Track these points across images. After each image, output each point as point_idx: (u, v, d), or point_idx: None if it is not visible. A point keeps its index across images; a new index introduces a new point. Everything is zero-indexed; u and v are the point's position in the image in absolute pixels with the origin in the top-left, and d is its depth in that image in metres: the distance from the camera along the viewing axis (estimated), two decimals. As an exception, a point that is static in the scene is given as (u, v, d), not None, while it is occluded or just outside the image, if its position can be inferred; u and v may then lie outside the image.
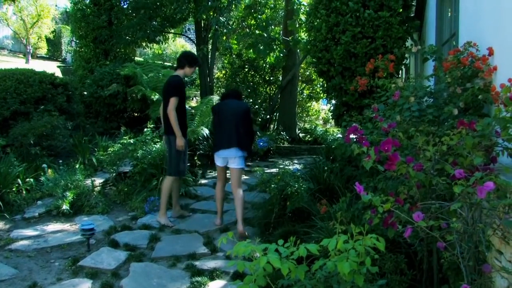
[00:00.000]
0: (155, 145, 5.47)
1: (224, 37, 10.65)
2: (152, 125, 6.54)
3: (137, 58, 11.92)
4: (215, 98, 8.01)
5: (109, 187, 5.49)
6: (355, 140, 2.42)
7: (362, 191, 1.92)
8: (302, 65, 12.16)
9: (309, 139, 10.51)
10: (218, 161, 4.19)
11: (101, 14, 9.64)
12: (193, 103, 11.19)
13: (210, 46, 10.08)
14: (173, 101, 4.16)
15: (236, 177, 4.07)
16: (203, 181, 6.32)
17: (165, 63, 13.89)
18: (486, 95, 2.55)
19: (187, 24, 12.97)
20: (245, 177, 6.55)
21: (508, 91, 2.06)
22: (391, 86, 3.08)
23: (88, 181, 5.37)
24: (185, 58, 4.36)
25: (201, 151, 7.23)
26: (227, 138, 4.02)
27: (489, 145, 2.04)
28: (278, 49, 10.19)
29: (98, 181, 5.58)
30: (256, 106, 10.64)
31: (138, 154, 5.26)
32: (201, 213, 4.84)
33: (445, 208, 1.94)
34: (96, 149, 6.43)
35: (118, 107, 8.14)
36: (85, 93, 8.48)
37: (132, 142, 5.53)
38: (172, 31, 10.79)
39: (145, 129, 5.82)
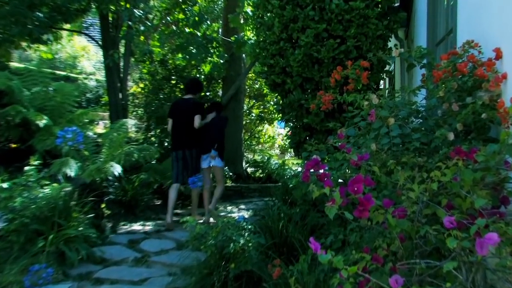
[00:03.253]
0: (43, 190, 5.21)
1: (142, 37, 10.56)
2: (38, 161, 6.20)
3: (15, 65, 11.42)
4: (130, 123, 7.86)
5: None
6: (316, 177, 2.42)
7: (319, 250, 1.89)
8: (250, 75, 12.34)
9: (261, 176, 10.54)
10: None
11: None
12: (99, 128, 10.86)
13: (123, 50, 9.94)
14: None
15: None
16: (114, 239, 6.06)
17: (58, 72, 13.46)
18: (492, 113, 2.50)
19: (89, 18, 12.69)
20: (174, 230, 6.39)
21: (522, 107, 2.08)
22: (364, 103, 3.15)
23: None
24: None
25: (111, 196, 6.98)
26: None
27: (496, 181, 2.08)
28: (217, 53, 10.28)
29: None
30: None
31: (16, 204, 5.00)
32: (109, 285, 4.60)
33: (435, 269, 1.94)
34: None
35: (-17, 136, 7.71)
36: None
37: (6, 186, 5.26)
38: (67, 27, 10.47)
39: (27, 167, 5.55)
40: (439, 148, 2.71)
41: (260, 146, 14.27)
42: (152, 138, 10.13)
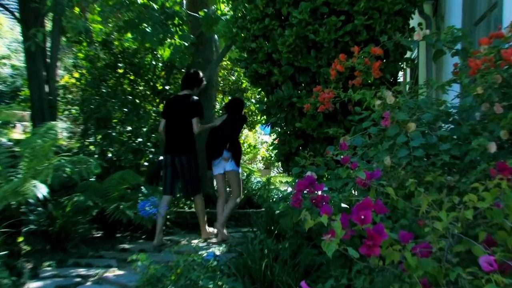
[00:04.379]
0: None
1: (76, 9, 10.49)
2: None
3: None
4: (61, 126, 7.86)
5: None
6: (311, 201, 2.43)
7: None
8: (224, 63, 12.35)
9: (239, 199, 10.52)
10: None
11: None
12: (16, 132, 10.74)
13: (50, 26, 9.85)
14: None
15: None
16: (34, 285, 5.96)
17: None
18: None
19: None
20: (120, 272, 6.32)
21: None
22: (375, 103, 3.18)
23: None
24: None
25: (32, 226, 6.90)
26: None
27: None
28: (180, 33, 10.25)
29: None
30: (140, 139, 10.48)
31: None
32: None
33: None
34: None
35: None
36: None
37: None
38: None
39: None
40: (476, 163, 2.74)
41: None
42: (91, 147, 10.06)
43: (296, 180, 3.11)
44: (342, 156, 3.00)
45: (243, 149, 14.48)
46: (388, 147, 2.90)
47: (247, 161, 14.68)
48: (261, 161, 15.39)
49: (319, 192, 2.67)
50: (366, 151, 3.32)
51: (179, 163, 7.41)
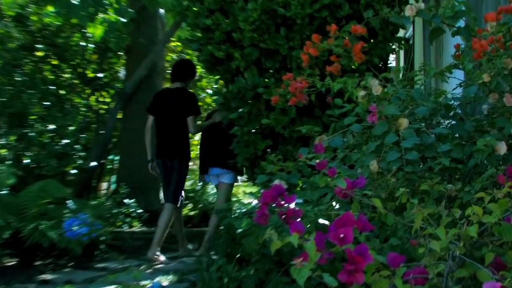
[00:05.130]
0: None
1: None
2: None
3: None
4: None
5: None
6: (279, 217, 2.43)
7: None
8: (173, 45, 12.31)
9: (191, 214, 10.66)
10: None
11: None
12: None
13: None
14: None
15: None
16: None
17: None
18: None
19: None
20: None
21: None
22: (358, 94, 3.20)
23: None
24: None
25: None
26: None
27: None
28: (116, 6, 10.20)
29: None
30: (66, 141, 10.37)
31: None
32: None
33: None
34: None
35: None
36: None
37: None
38: None
39: None
40: (482, 168, 2.78)
41: (190, 163, 14.20)
42: (3, 151, 9.90)
43: (262, 191, 3.10)
44: (318, 160, 3.00)
45: (196, 153, 14.42)
46: (374, 148, 2.92)
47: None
48: (220, 167, 15.35)
49: (292, 205, 2.66)
50: (348, 154, 3.34)
51: (170, 166, 7.71)
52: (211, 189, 11.39)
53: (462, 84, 3.58)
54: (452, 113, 3.23)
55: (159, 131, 7.75)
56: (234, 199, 10.35)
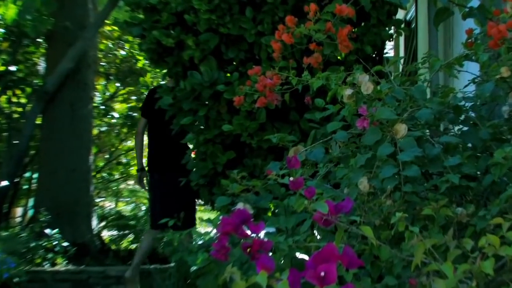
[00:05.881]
0: None
1: None
2: None
3: None
4: None
5: None
6: (245, 251, 2.43)
7: None
8: (108, 29, 12.32)
9: (132, 247, 10.65)
10: None
11: None
12: None
13: None
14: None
15: None
16: None
17: None
18: None
19: None
20: None
21: None
22: (344, 93, 3.22)
23: None
24: None
25: None
26: None
27: None
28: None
29: None
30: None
31: None
32: None
33: None
34: None
35: None
36: None
37: None
38: None
39: None
40: (501, 186, 2.80)
41: (132, 182, 14.25)
42: None
43: (222, 217, 3.10)
44: (292, 179, 2.98)
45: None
46: (365, 162, 2.91)
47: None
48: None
49: (261, 235, 2.65)
50: (332, 169, 3.35)
51: (170, 181, 7.60)
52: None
53: (476, 80, 3.60)
54: (463, 116, 3.25)
55: (152, 138, 7.95)
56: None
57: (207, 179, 6.17)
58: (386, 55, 6.87)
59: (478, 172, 2.92)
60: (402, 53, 9.54)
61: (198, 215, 11.98)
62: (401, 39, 9.02)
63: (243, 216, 2.48)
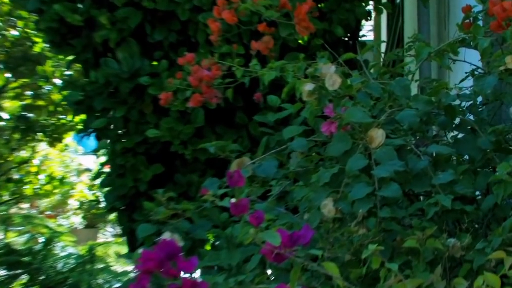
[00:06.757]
0: None
1: None
2: None
3: None
4: None
5: None
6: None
7: None
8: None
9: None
10: None
11: None
12: None
13: None
14: None
15: None
16: None
17: None
18: None
19: None
20: None
21: None
22: (302, 88, 3.25)
23: None
24: None
25: None
26: None
27: None
28: None
29: None
30: None
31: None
32: None
33: None
34: None
35: None
36: None
37: None
38: None
39: None
40: (505, 211, 2.85)
41: (26, 206, 14.24)
42: None
43: (142, 253, 3.10)
44: (232, 200, 2.96)
45: (37, 187, 14.41)
46: (330, 179, 2.93)
47: (50, 210, 14.64)
48: (78, 212, 15.37)
49: (197, 275, 2.65)
50: (288, 188, 3.37)
51: None
52: (61, 249, 11.29)
53: (475, 73, 3.65)
54: (457, 120, 3.27)
55: None
56: (100, 265, 10.32)
57: (126, 201, 6.17)
58: (363, 38, 6.95)
59: (477, 193, 2.96)
60: (384, 37, 9.61)
61: (114, 249, 11.97)
62: (383, 18, 9.09)
63: (170, 250, 2.45)
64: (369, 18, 6.24)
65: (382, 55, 7.16)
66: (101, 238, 13.82)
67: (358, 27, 6.16)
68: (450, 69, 3.67)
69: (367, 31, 8.78)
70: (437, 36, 6.36)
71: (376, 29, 10.19)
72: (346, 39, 5.86)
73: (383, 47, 8.44)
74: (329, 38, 5.25)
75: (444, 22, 6.29)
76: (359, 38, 6.29)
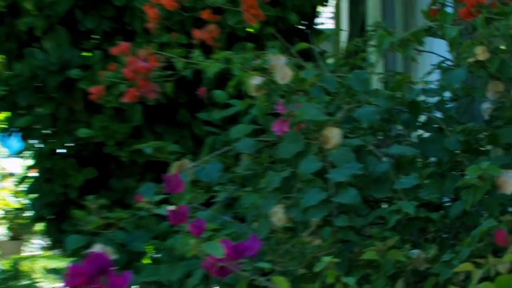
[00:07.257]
0: None
1: None
2: None
3: None
4: None
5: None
6: None
7: None
8: None
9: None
10: None
11: None
12: None
13: None
14: None
15: None
16: None
17: None
18: None
19: None
20: None
21: None
22: (250, 81, 3.26)
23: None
24: None
25: None
26: None
27: None
28: None
29: None
30: None
31: None
32: None
33: None
34: None
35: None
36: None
37: None
38: None
39: None
40: (475, 218, 2.87)
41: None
42: None
43: (70, 265, 3.09)
44: (169, 207, 2.96)
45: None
46: (280, 184, 2.96)
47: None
48: (1, 222, 15.35)
49: None
50: (234, 193, 3.38)
51: None
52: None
53: (442, 65, 3.67)
54: (423, 118, 3.31)
55: None
56: (25, 281, 10.29)
57: (54, 210, 6.15)
58: (321, 27, 6.97)
59: (444, 199, 2.98)
60: (345, 25, 9.66)
61: (42, 263, 11.95)
62: (344, 4, 9.14)
63: (101, 263, 2.43)
64: (325, 3, 6.25)
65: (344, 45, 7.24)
66: (27, 252, 13.78)
67: (315, 14, 6.18)
68: (415, 61, 3.69)
69: (326, 18, 8.80)
70: (404, 24, 6.40)
71: (336, 16, 10.22)
72: (302, 27, 5.87)
73: (343, 36, 8.52)
74: (282, 26, 5.26)
75: (412, 9, 6.33)
76: (315, 26, 6.30)
